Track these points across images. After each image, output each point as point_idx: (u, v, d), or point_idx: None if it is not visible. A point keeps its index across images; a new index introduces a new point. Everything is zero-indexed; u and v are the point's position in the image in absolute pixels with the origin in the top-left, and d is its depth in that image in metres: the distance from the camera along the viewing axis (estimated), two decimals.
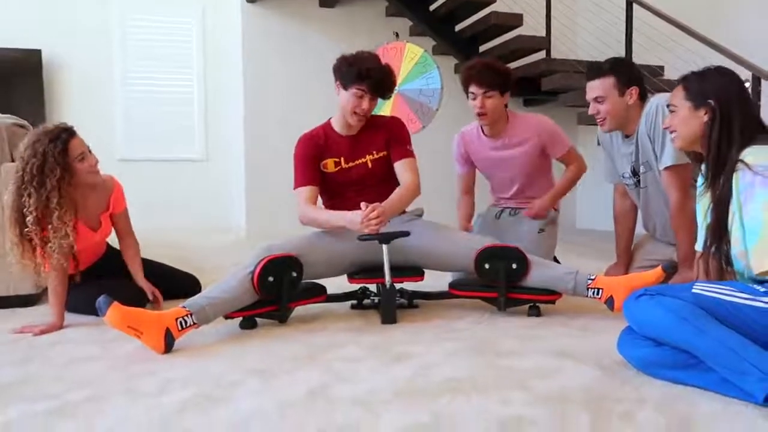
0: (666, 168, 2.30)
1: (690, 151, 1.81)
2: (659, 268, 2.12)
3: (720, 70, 1.73)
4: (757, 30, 4.00)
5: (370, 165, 2.36)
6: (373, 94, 2.27)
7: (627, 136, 2.43)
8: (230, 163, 5.55)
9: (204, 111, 5.67)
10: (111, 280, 2.37)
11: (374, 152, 2.36)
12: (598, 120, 2.36)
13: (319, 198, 2.39)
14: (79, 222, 2.23)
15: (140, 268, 2.42)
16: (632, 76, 2.32)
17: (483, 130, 2.71)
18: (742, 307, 1.46)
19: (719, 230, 1.60)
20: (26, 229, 2.04)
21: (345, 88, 2.29)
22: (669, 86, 4.34)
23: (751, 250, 1.52)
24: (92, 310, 1.93)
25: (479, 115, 2.58)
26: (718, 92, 1.67)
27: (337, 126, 2.39)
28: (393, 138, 2.38)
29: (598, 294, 2.19)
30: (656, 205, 2.47)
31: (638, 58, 4.03)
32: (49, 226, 2.06)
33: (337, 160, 2.36)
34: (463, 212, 2.85)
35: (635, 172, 2.46)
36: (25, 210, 2.04)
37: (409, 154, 2.39)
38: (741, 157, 1.58)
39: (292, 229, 2.50)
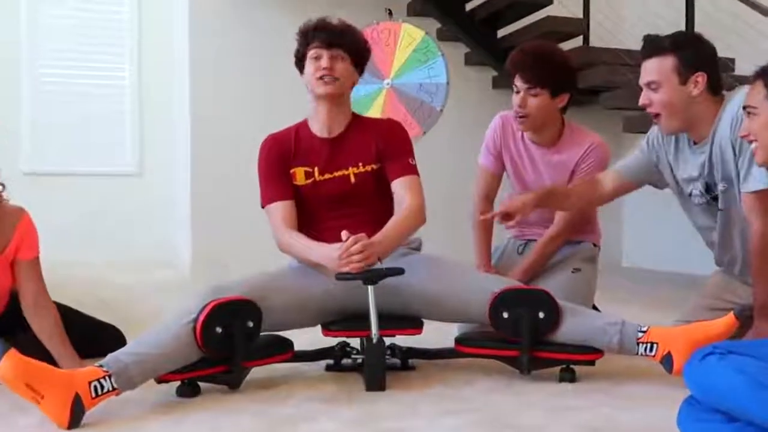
0: (753, 192, 2.25)
1: None
2: (731, 315, 2.11)
3: None
4: None
5: (352, 179, 2.36)
6: (329, 47, 2.32)
7: (695, 142, 2.36)
8: (172, 179, 5.54)
9: (139, 111, 5.69)
10: (17, 335, 2.27)
11: (360, 164, 2.37)
12: (652, 114, 2.31)
13: None
14: None
15: (66, 343, 2.26)
16: (701, 57, 2.23)
17: (523, 135, 2.74)
18: None
19: None
20: None
21: (302, 59, 2.38)
22: (742, 83, 4.42)
23: None
24: None
25: (518, 117, 2.62)
26: None
27: (315, 125, 2.40)
28: (389, 148, 2.39)
29: (651, 351, 2.19)
30: (740, 232, 2.44)
31: None
32: None
33: (309, 169, 2.37)
34: (481, 241, 2.83)
35: (709, 188, 2.39)
36: None
37: (411, 170, 2.39)
38: None
39: (253, 265, 2.49)
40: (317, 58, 2.33)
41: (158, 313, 3.42)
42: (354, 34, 2.43)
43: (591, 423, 1.87)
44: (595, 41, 4.77)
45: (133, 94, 5.66)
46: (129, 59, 5.66)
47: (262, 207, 2.38)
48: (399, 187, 2.36)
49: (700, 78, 2.21)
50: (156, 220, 5.59)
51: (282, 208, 2.33)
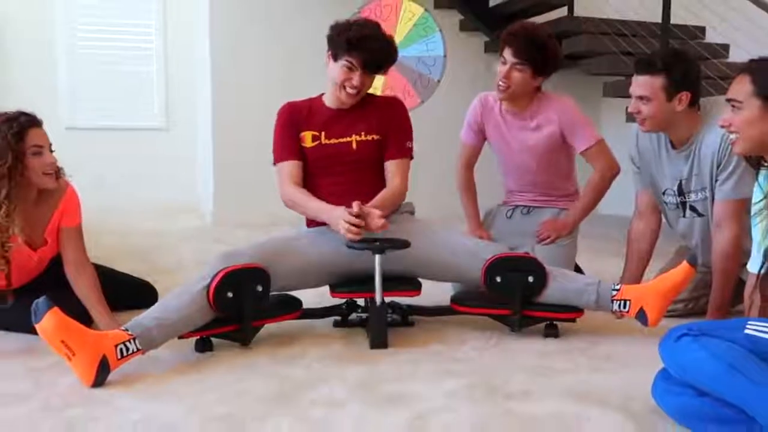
0: (728, 200, 2.22)
1: (748, 156, 1.70)
2: (685, 264, 2.10)
3: None
4: None
5: (354, 146, 2.27)
6: (365, 68, 2.19)
7: (675, 146, 2.33)
8: (196, 134, 5.40)
9: (164, 72, 5.51)
10: (52, 292, 2.23)
11: (362, 133, 2.28)
12: (638, 120, 2.29)
13: None
14: (16, 236, 2.10)
15: (103, 303, 2.18)
16: (688, 78, 2.23)
17: (501, 107, 2.63)
18: None
19: None
20: None
21: (335, 58, 2.23)
22: (708, 51, 4.27)
23: None
24: (26, 325, 1.84)
25: (499, 86, 2.50)
26: None
27: (328, 100, 2.33)
28: (391, 128, 2.30)
29: (625, 307, 2.16)
30: (704, 238, 2.37)
31: (677, 18, 3.90)
32: None
33: (316, 133, 2.28)
34: (469, 207, 2.78)
35: (681, 192, 2.36)
36: None
37: (406, 152, 2.32)
38: None
39: (268, 215, 2.39)
40: (350, 69, 2.19)
41: (182, 262, 3.37)
42: (390, 57, 2.27)
43: (574, 386, 1.79)
44: (579, 11, 4.55)
45: (159, 58, 5.52)
46: (155, 25, 5.48)
47: (274, 164, 2.31)
48: (391, 167, 2.30)
49: (684, 96, 2.22)
50: (181, 170, 5.51)
51: (290, 167, 2.26)
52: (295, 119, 2.30)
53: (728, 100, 1.67)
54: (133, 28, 5.47)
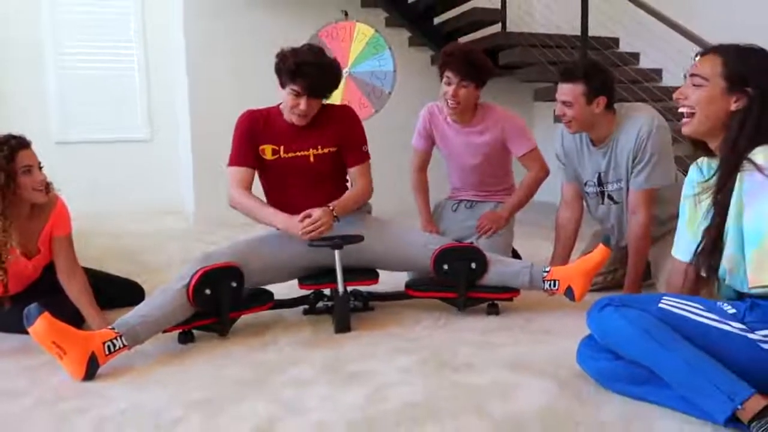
0: (641, 189, 2.27)
1: (693, 140, 1.56)
2: (600, 246, 2.15)
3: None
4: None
5: (312, 159, 2.21)
6: (308, 94, 2.11)
7: (594, 144, 2.38)
8: (176, 143, 5.29)
9: (147, 88, 5.36)
10: (46, 297, 2.17)
11: (319, 147, 2.21)
12: (564, 122, 2.33)
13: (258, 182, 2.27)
14: (14, 248, 2.04)
15: (93, 304, 2.13)
16: (604, 85, 2.27)
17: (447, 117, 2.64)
18: (709, 328, 1.42)
19: (718, 236, 1.46)
20: None
21: (282, 86, 2.16)
22: (620, 59, 4.35)
23: (749, 259, 1.41)
24: (20, 325, 1.77)
25: (450, 104, 2.52)
26: (762, 81, 1.43)
27: (285, 114, 2.25)
28: (347, 138, 2.25)
29: (555, 286, 2.20)
30: (619, 221, 2.42)
31: (594, 31, 3.96)
32: None
33: (275, 147, 2.21)
34: (422, 205, 2.77)
35: (601, 183, 2.41)
36: None
37: (364, 157, 2.29)
38: (750, 156, 1.41)
39: (245, 216, 2.35)
40: (297, 96, 2.11)
41: (170, 261, 3.31)
42: (331, 82, 2.18)
43: (511, 358, 1.82)
44: (511, 27, 4.59)
45: (141, 74, 5.34)
46: (136, 44, 5.31)
47: (227, 166, 2.23)
48: (354, 172, 2.28)
49: (601, 101, 2.27)
50: (165, 177, 5.36)
51: (243, 173, 2.19)
52: (254, 129, 2.21)
53: (692, 75, 1.51)
54: (116, 44, 5.30)
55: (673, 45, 3.44)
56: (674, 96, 1.55)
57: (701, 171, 1.54)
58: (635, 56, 4.42)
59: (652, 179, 2.26)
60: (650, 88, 3.79)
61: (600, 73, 2.29)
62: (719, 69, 1.47)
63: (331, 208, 2.14)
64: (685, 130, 1.54)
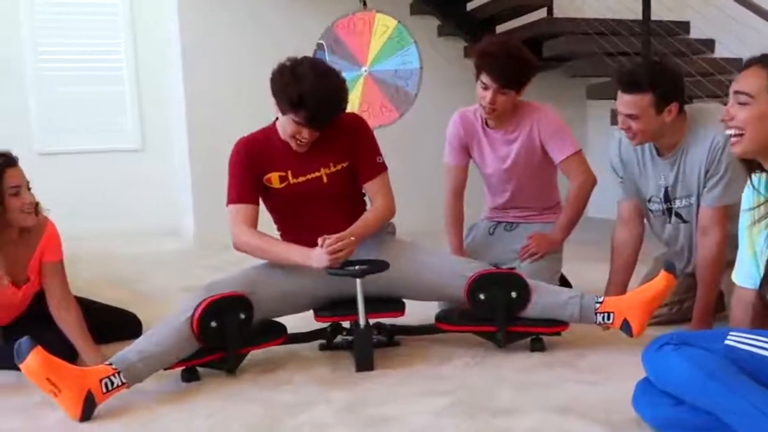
0: (715, 206, 2.29)
1: (747, 160, 1.63)
2: (664, 272, 2.16)
3: None
4: None
5: (325, 180, 2.28)
6: (311, 126, 2.17)
7: (660, 154, 2.39)
8: (172, 153, 5.45)
9: (137, 91, 5.56)
10: (36, 329, 2.29)
11: (331, 164, 2.28)
12: (628, 135, 2.34)
13: (269, 215, 2.34)
14: (1, 277, 2.18)
15: (87, 337, 2.24)
16: (675, 88, 2.27)
17: (486, 122, 2.69)
18: None
19: None
20: None
21: (282, 112, 2.20)
22: (691, 48, 4.36)
23: None
24: (10, 361, 1.89)
25: (486, 109, 2.57)
26: None
27: (284, 136, 2.27)
28: (358, 150, 2.32)
29: (609, 319, 2.22)
30: (688, 244, 2.45)
31: (658, 15, 3.98)
32: None
33: (282, 174, 2.28)
34: (453, 235, 2.79)
35: (667, 199, 2.42)
36: None
37: (380, 168, 2.35)
38: None
39: None
40: (298, 124, 2.17)
41: (168, 289, 3.43)
42: (334, 112, 2.22)
43: (557, 399, 1.88)
44: (558, 12, 4.65)
45: (131, 77, 5.53)
46: (124, 44, 5.50)
47: (226, 205, 2.28)
48: (371, 188, 2.35)
49: (673, 108, 2.25)
50: (159, 191, 5.52)
51: (246, 210, 2.25)
52: (253, 159, 2.27)
53: (736, 93, 1.57)
54: (102, 47, 5.50)
55: (754, 31, 3.44)
56: (720, 119, 1.63)
57: (758, 189, 1.60)
58: (709, 44, 4.42)
59: (728, 195, 2.24)
60: (725, 82, 3.80)
61: (669, 75, 2.28)
62: (765, 82, 1.52)
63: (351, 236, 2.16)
64: (736, 150, 1.61)
